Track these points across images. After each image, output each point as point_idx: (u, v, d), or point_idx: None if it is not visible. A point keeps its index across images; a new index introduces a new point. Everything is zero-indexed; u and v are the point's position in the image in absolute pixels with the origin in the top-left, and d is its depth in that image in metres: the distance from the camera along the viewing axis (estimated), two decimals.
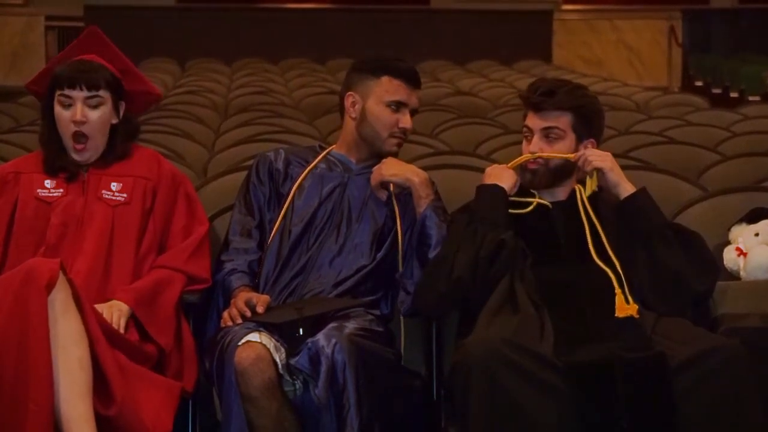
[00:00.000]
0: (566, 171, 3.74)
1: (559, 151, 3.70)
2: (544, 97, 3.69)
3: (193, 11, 16.49)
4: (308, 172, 3.92)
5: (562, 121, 3.70)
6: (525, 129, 3.75)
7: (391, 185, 3.83)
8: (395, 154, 3.90)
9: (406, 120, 3.88)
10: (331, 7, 17.14)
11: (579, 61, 16.61)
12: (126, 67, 3.89)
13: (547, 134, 3.70)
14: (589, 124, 3.75)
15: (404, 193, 3.84)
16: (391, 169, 3.83)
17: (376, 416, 3.40)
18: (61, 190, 3.72)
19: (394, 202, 3.85)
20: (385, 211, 3.85)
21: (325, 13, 16.94)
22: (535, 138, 3.71)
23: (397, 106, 3.87)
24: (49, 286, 3.20)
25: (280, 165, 3.94)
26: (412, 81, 3.92)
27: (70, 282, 3.27)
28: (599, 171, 3.70)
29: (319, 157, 3.96)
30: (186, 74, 12.99)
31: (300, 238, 3.81)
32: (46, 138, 3.79)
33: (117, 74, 3.80)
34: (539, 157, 3.70)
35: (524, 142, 3.75)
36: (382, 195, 3.85)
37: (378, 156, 3.90)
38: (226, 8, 16.50)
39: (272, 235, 3.84)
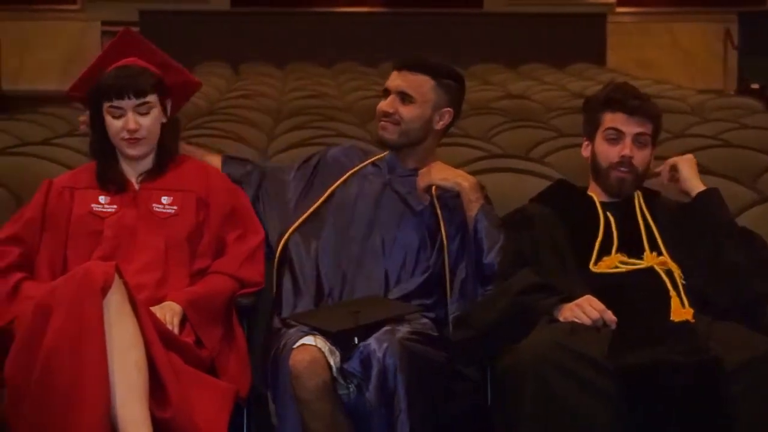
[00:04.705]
0: (645, 179, 3.76)
1: (647, 158, 3.74)
2: (641, 101, 3.70)
3: (246, 15, 16.54)
4: (354, 172, 3.96)
5: (649, 127, 3.73)
6: (612, 131, 3.73)
7: (434, 188, 3.83)
8: (382, 139, 3.93)
9: (382, 104, 3.93)
10: (382, 11, 17.13)
11: (633, 63, 16.49)
12: (164, 61, 3.92)
13: (639, 139, 3.72)
14: (659, 134, 3.81)
15: (447, 196, 3.83)
16: (440, 173, 3.83)
17: (426, 421, 3.40)
18: (115, 206, 3.76)
19: (437, 204, 3.84)
20: (428, 214, 3.85)
21: (376, 17, 16.93)
22: (628, 142, 3.70)
23: (384, 93, 3.94)
24: (105, 289, 3.23)
25: (339, 158, 4.04)
26: (398, 64, 3.96)
27: (125, 284, 3.29)
28: (674, 165, 3.78)
29: (372, 159, 3.98)
30: (239, 78, 13.05)
31: (344, 237, 3.83)
32: (98, 149, 3.83)
33: (158, 72, 3.82)
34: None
35: (605, 144, 3.74)
36: (426, 199, 3.85)
37: (380, 142, 3.95)
38: (279, 12, 16.53)
39: (321, 229, 3.86)
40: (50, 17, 16.66)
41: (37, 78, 15.60)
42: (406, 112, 3.87)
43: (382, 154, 4.02)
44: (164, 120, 3.82)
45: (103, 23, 16.34)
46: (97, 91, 3.76)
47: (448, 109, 3.92)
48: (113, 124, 3.74)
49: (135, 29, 4.02)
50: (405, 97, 3.88)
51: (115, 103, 3.73)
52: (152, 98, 3.76)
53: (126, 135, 3.72)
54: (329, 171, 4.02)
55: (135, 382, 3.21)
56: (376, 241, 3.81)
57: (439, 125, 3.92)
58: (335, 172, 4.00)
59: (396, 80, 3.91)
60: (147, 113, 3.75)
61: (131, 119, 3.72)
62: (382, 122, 3.91)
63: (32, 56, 16.19)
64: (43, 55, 16.16)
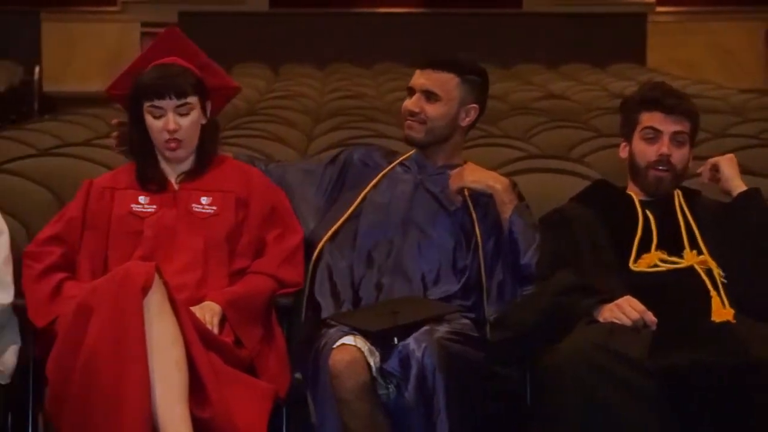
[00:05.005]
0: (684, 178, 3.75)
1: (685, 157, 3.72)
2: (678, 100, 3.70)
3: (285, 16, 16.58)
4: (385, 174, 3.96)
5: (687, 126, 3.72)
6: (649, 130, 3.71)
7: (466, 190, 3.82)
8: (409, 138, 3.92)
9: (407, 102, 3.92)
10: (422, 12, 17.12)
11: (673, 63, 16.39)
12: (205, 64, 3.92)
13: (676, 138, 3.71)
14: (696, 133, 3.78)
15: (477, 194, 3.82)
16: (472, 175, 3.83)
17: (465, 421, 3.39)
18: (155, 207, 3.77)
19: (470, 204, 3.84)
20: (462, 213, 3.84)
21: (416, 18, 16.92)
22: (666, 140, 3.69)
23: (409, 91, 3.93)
24: (145, 289, 3.25)
25: (364, 160, 4.03)
26: (421, 63, 3.94)
27: (165, 284, 3.31)
28: (715, 165, 3.78)
29: (399, 159, 3.98)
30: (279, 79, 13.09)
31: (379, 240, 3.82)
32: (138, 147, 3.84)
33: (198, 73, 3.83)
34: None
35: (643, 143, 3.72)
36: (458, 200, 3.84)
37: (407, 141, 3.94)
38: (319, 13, 16.57)
39: (355, 234, 3.85)
40: (90, 19, 16.78)
41: (78, 79, 15.72)
42: (432, 110, 3.87)
43: (408, 154, 4.01)
44: (204, 121, 3.83)
45: (143, 24, 16.45)
46: (137, 90, 3.77)
47: (474, 105, 3.91)
48: (154, 124, 3.75)
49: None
50: (430, 96, 3.87)
51: (156, 103, 3.74)
52: (193, 99, 3.77)
53: (166, 135, 3.74)
54: (358, 174, 4.01)
55: (175, 381, 3.22)
56: (412, 241, 3.80)
57: (465, 122, 3.92)
58: (364, 175, 3.99)
59: (420, 79, 3.90)
60: (187, 114, 3.76)
61: (171, 120, 3.73)
62: (408, 122, 3.90)
63: (73, 58, 16.32)
64: (83, 57, 16.28)
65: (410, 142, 3.93)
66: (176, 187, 3.81)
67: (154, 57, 3.87)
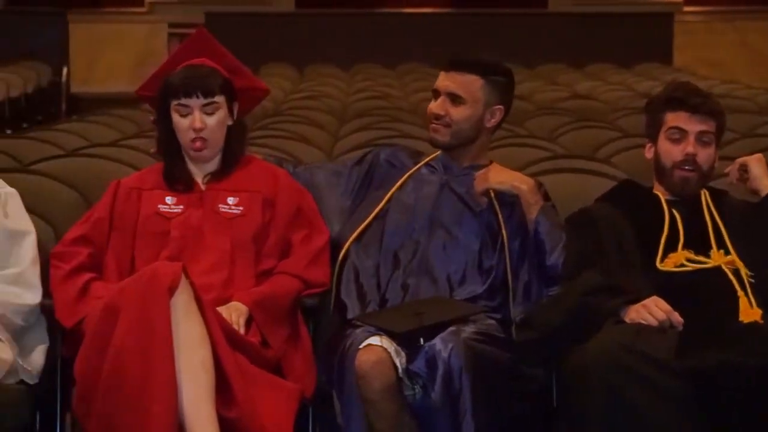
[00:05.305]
0: (710, 178, 3.74)
1: (711, 156, 3.70)
2: (703, 99, 3.68)
3: (311, 17, 16.62)
4: (410, 175, 3.95)
5: (712, 125, 3.70)
6: (674, 130, 3.70)
7: (491, 191, 3.82)
8: (434, 141, 3.90)
9: (432, 105, 3.90)
10: (448, 12, 17.12)
11: (700, 63, 16.34)
12: (234, 66, 3.93)
13: (702, 138, 3.69)
14: (722, 132, 3.77)
15: (503, 195, 3.82)
16: (497, 177, 3.81)
17: (492, 421, 3.39)
18: (181, 207, 3.78)
19: (496, 203, 3.83)
20: (488, 213, 3.83)
21: (442, 18, 16.93)
22: (692, 140, 3.68)
23: (434, 93, 3.90)
24: (172, 289, 3.26)
25: (390, 161, 4.01)
26: (445, 64, 3.92)
27: (192, 285, 3.32)
28: (743, 165, 3.76)
29: (425, 160, 3.98)
30: (304, 79, 13.11)
31: (405, 240, 3.82)
32: (165, 146, 3.86)
33: (226, 75, 3.84)
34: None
35: (668, 143, 3.71)
36: (484, 201, 3.83)
37: (432, 144, 3.92)
38: (344, 14, 16.59)
39: (381, 234, 3.85)
40: (118, 20, 16.87)
41: (105, 80, 15.81)
42: (457, 113, 3.85)
43: (434, 154, 4.01)
44: (230, 122, 3.84)
45: (170, 25, 16.51)
46: (165, 89, 3.79)
47: (499, 106, 3.90)
48: (180, 123, 3.77)
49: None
50: (455, 99, 3.86)
51: (183, 101, 3.75)
52: (220, 99, 3.78)
53: (192, 134, 3.75)
54: (385, 174, 4.00)
55: (202, 381, 3.23)
56: (438, 242, 3.80)
57: (490, 123, 3.90)
58: (390, 175, 3.98)
59: (444, 81, 3.88)
60: (213, 113, 3.77)
61: (198, 118, 3.74)
62: (433, 125, 3.89)
63: (101, 59, 16.41)
64: (111, 58, 16.37)
65: (435, 144, 3.92)
66: (203, 187, 3.82)
67: (184, 58, 3.88)
